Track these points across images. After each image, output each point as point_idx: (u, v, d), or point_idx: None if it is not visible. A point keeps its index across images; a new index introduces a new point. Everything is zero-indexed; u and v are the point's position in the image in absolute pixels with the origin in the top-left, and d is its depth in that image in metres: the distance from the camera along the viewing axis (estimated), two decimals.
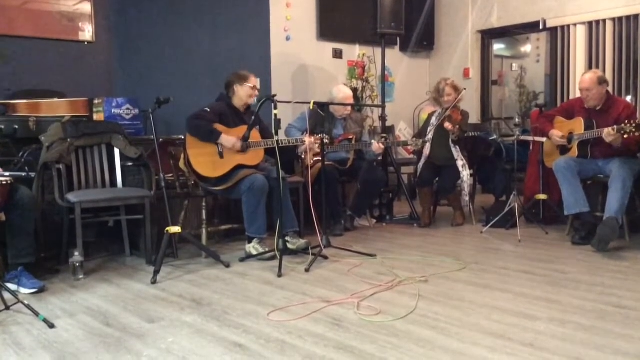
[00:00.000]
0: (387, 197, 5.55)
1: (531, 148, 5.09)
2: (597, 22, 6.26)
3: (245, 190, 3.94)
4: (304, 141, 4.20)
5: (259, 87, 4.30)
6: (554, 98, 6.68)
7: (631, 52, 6.07)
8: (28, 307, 2.75)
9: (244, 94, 4.21)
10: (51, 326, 2.64)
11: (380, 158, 5.40)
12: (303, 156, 4.58)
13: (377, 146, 4.81)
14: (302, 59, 6.59)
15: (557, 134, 4.51)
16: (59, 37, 4.93)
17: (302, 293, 3.13)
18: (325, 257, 3.85)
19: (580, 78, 4.41)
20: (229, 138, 4.04)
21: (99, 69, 5.13)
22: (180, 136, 4.21)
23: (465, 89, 5.16)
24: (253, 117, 3.98)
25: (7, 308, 2.84)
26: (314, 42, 6.70)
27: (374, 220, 5.37)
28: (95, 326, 2.68)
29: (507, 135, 5.53)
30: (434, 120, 5.20)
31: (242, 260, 3.91)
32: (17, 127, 4.04)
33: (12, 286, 3.14)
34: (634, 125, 3.91)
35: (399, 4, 5.64)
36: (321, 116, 4.75)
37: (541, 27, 6.74)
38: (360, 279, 3.38)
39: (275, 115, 3.65)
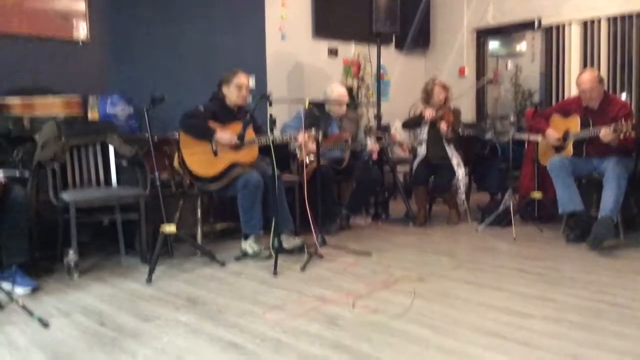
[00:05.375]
0: (383, 196, 5.55)
1: (526, 146, 5.10)
2: (592, 21, 6.28)
3: (240, 188, 3.93)
4: (297, 138, 4.19)
5: (248, 83, 4.26)
6: (548, 96, 6.70)
7: (625, 50, 6.09)
8: (22, 306, 2.74)
9: (232, 94, 4.19)
10: (46, 326, 2.63)
11: (375, 157, 5.39)
12: (298, 153, 4.57)
13: (372, 146, 4.84)
14: (298, 58, 6.58)
15: (552, 134, 4.51)
16: (53, 35, 4.90)
17: (298, 292, 3.13)
18: (321, 256, 3.86)
19: (579, 78, 4.35)
20: (224, 135, 4.03)
21: (93, 68, 5.11)
22: (176, 134, 4.20)
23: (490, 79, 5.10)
24: (248, 115, 3.96)
25: (1, 307, 2.84)
26: (309, 40, 6.68)
27: (370, 219, 5.37)
28: (90, 326, 2.67)
29: (502, 133, 5.54)
30: (426, 117, 5.15)
31: (237, 259, 3.90)
32: (11, 126, 4.02)
33: (6, 285, 3.12)
34: (630, 124, 3.92)
35: (394, 3, 5.63)
36: (316, 115, 4.74)
37: (536, 26, 6.74)
38: (355, 277, 3.39)
39: (271, 115, 3.65)
